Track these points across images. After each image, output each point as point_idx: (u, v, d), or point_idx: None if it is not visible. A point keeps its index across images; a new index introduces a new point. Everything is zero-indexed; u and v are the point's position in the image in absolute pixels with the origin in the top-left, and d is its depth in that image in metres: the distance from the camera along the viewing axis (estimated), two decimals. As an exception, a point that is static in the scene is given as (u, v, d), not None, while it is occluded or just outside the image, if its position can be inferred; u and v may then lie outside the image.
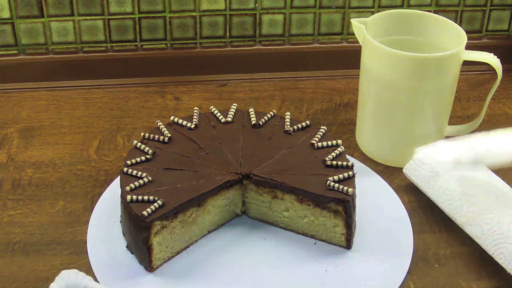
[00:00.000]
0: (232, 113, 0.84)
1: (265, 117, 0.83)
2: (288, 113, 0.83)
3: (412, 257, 0.74)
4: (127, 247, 0.74)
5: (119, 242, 0.75)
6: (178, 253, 0.75)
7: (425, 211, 0.81)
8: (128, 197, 0.71)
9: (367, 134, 0.89)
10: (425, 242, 0.77)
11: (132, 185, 0.72)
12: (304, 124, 0.82)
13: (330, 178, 0.74)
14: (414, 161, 0.82)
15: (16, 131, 0.93)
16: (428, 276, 0.73)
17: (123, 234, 0.76)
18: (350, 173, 0.75)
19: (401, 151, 0.86)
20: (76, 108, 0.98)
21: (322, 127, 0.81)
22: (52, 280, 0.71)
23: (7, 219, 0.79)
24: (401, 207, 0.80)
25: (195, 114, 0.83)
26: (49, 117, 0.96)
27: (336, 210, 0.74)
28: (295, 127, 0.82)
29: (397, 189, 0.83)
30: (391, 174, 0.86)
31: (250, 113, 0.84)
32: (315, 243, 0.76)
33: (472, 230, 0.74)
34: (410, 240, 0.76)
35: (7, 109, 0.97)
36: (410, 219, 0.79)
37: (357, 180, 0.75)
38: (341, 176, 0.74)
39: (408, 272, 0.73)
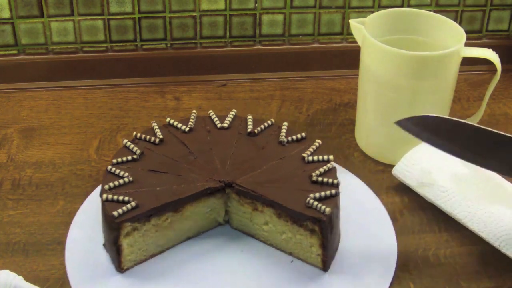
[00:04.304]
0: (230, 119, 0.82)
1: (262, 126, 0.81)
2: (285, 123, 0.81)
3: (412, 257, 0.74)
4: (104, 245, 0.74)
5: (99, 240, 0.74)
6: (151, 256, 0.73)
7: (425, 211, 0.81)
8: (104, 195, 0.70)
9: (367, 133, 0.89)
10: (425, 242, 0.77)
11: (111, 184, 0.72)
12: (299, 136, 0.79)
13: (311, 195, 0.70)
14: (403, 162, 0.81)
15: (16, 131, 0.93)
16: (428, 276, 0.73)
17: (103, 232, 0.75)
18: (333, 191, 0.71)
19: (401, 149, 0.86)
20: (76, 108, 0.98)
21: (317, 140, 0.79)
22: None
23: (7, 219, 0.78)
24: (390, 228, 0.76)
25: (192, 117, 0.82)
26: (49, 117, 0.96)
27: (312, 229, 0.70)
28: (290, 138, 0.79)
29: (396, 189, 0.83)
30: (391, 173, 0.86)
31: (248, 120, 0.82)
32: (291, 261, 0.73)
33: (474, 225, 0.74)
34: (392, 266, 0.72)
35: (7, 109, 0.97)
36: (410, 219, 0.79)
37: (347, 197, 0.72)
38: (322, 194, 0.71)
39: (408, 272, 0.73)
